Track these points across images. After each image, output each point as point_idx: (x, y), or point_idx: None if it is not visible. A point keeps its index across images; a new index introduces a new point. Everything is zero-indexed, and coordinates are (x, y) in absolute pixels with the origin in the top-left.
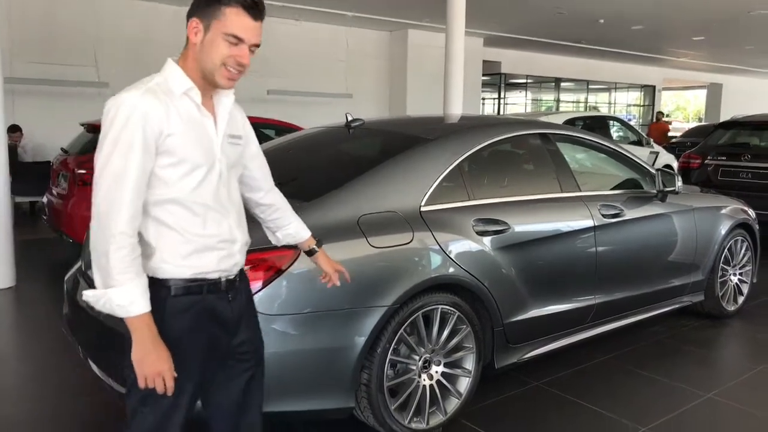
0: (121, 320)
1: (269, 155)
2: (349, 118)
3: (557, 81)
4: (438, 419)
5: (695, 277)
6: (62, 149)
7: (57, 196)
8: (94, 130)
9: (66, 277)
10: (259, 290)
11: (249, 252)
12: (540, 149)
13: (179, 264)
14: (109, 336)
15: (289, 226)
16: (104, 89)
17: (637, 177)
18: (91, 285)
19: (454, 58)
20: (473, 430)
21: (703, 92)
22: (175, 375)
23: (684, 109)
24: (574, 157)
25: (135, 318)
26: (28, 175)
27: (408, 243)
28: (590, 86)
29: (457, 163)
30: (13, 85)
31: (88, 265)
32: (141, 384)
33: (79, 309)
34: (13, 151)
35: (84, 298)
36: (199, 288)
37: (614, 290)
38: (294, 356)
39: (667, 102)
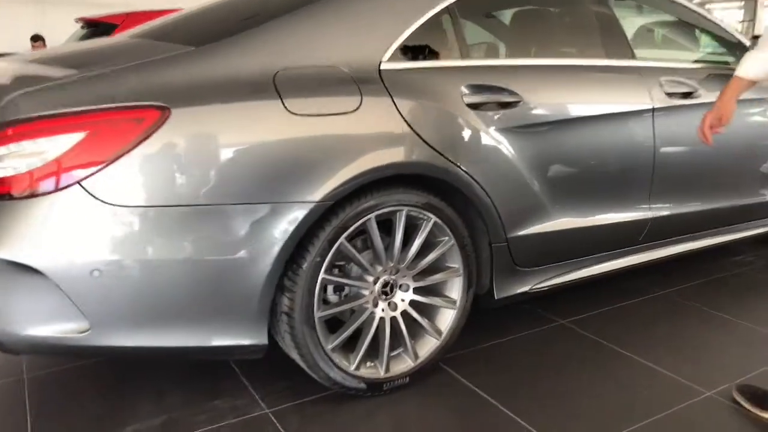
0: None
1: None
2: None
3: None
4: (405, 365)
5: None
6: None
7: None
8: (90, 25)
9: None
10: (101, 168)
11: (82, 113)
12: None
13: None
14: None
15: None
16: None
17: (718, 48)
18: None
19: None
20: (459, 382)
21: None
22: None
23: None
24: (629, 14)
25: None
26: None
27: (352, 111)
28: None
29: (447, 3)
30: None
31: None
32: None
33: None
34: None
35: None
36: None
37: (678, 201)
38: (168, 268)
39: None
